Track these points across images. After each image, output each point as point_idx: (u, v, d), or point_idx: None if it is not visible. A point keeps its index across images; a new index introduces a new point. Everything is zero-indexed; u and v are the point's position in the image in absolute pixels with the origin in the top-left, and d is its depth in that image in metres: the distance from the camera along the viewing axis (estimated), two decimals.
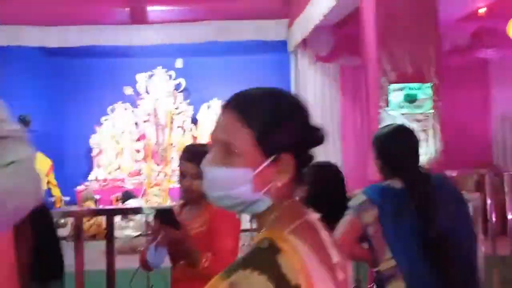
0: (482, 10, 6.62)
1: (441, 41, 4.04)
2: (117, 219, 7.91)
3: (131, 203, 7.88)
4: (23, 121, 8.21)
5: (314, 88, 7.30)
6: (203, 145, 2.41)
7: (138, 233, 7.65)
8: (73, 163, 11.32)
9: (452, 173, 5.50)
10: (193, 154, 2.35)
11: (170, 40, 7.59)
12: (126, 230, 7.66)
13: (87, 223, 7.33)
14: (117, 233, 7.55)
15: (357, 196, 2.09)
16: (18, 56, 9.21)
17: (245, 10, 7.66)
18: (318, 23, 5.91)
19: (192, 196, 2.36)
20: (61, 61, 11.29)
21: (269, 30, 7.61)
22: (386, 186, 2.07)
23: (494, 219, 4.31)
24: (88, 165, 11.29)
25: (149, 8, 7.66)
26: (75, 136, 11.32)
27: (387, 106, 3.69)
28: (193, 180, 2.31)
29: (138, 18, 7.59)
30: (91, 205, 7.52)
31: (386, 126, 2.30)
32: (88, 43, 7.58)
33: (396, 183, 2.05)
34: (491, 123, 7.71)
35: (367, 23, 3.84)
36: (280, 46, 8.02)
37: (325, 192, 2.35)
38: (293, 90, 7.60)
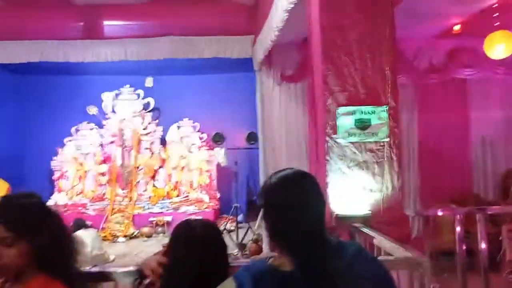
0: (457, 27, 6.15)
1: (398, 58, 3.47)
2: None
3: (81, 234, 7.18)
4: None
5: (279, 108, 6.74)
6: (22, 196, 1.73)
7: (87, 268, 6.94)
8: (33, 187, 10.50)
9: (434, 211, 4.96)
10: (4, 211, 1.62)
11: (126, 56, 7.00)
12: None
13: None
14: None
15: (225, 283, 1.47)
16: None
17: (208, 25, 7.14)
18: (275, 39, 5.41)
19: (8, 272, 1.61)
20: (22, 77, 10.73)
21: (233, 47, 7.10)
22: (268, 268, 1.45)
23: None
24: (49, 189, 10.59)
25: (105, 23, 7.08)
26: (36, 158, 10.63)
27: (335, 133, 3.12)
28: (4, 248, 1.58)
29: (93, 33, 6.99)
30: None
31: (276, 173, 1.61)
32: (37, 59, 6.97)
33: (284, 263, 1.43)
34: (471, 147, 7.18)
35: (313, 35, 3.29)
36: (247, 64, 7.50)
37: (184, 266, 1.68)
38: (259, 109, 7.03)
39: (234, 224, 9.06)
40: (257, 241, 7.24)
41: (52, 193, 10.31)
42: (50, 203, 9.76)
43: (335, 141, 3.10)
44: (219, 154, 8.13)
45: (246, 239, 8.03)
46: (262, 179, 7.17)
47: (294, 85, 6.78)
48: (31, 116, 10.69)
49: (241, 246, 7.31)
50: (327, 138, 3.10)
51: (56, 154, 10.42)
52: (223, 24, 7.16)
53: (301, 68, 6.69)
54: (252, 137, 8.01)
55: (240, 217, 8.76)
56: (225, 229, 8.00)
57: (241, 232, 8.22)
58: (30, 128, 10.70)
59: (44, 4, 6.82)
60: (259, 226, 8.32)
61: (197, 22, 7.19)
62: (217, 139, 8.10)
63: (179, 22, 7.20)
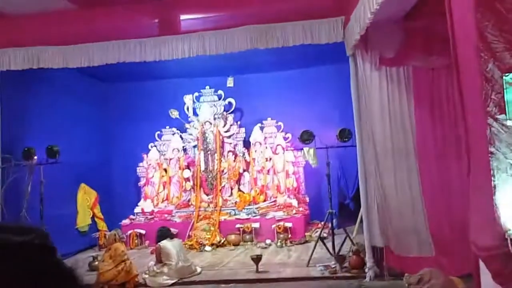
0: None
1: None
2: (151, 263, 6.71)
3: (166, 245, 6.61)
4: (51, 151, 7.35)
5: (380, 97, 5.68)
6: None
7: (173, 280, 6.36)
8: (120, 194, 10.47)
9: None
10: None
11: (204, 50, 6.39)
12: (160, 277, 6.38)
13: (114, 270, 6.14)
14: (149, 280, 6.33)
15: None
16: (61, 80, 8.51)
17: (291, 10, 6.29)
18: (371, 17, 4.46)
19: None
20: (108, 85, 10.65)
21: (321, 31, 6.19)
22: None
23: None
24: (136, 195, 10.37)
25: (181, 17, 6.49)
26: (122, 165, 10.54)
27: (503, 112, 2.05)
28: None
29: (169, 28, 6.44)
30: (119, 248, 6.34)
31: None
32: (114, 60, 6.58)
33: None
34: None
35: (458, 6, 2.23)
36: (336, 53, 6.56)
37: None
38: (354, 100, 6.03)
39: (328, 231, 8.13)
40: (358, 252, 6.20)
41: (138, 200, 10.01)
42: (137, 210, 9.49)
43: (502, 124, 2.04)
44: (309, 154, 7.23)
45: (343, 249, 7.01)
46: (361, 179, 6.12)
47: (396, 70, 5.69)
48: (116, 123, 10.58)
49: (340, 259, 6.30)
50: (490, 121, 2.05)
51: (141, 160, 10.14)
52: (308, 6, 6.27)
53: (404, 48, 5.59)
54: (345, 134, 7.02)
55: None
56: (320, 237, 7.02)
57: (337, 240, 7.21)
58: (116, 135, 10.59)
59: (117, 3, 6.34)
60: (357, 233, 7.26)
61: (278, 8, 6.38)
62: (306, 138, 7.21)
63: (258, 10, 6.43)
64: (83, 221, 9.24)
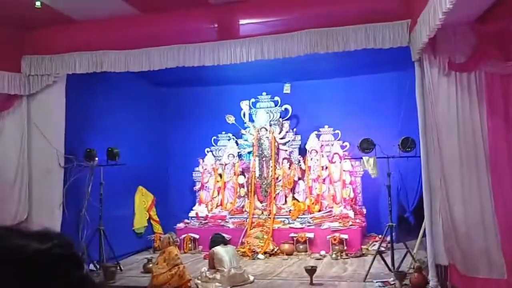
0: None
1: None
2: (203, 268, 6.65)
3: (219, 251, 6.52)
4: (111, 153, 7.52)
5: (448, 105, 5.30)
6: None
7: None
8: (176, 198, 10.61)
9: None
10: None
11: (262, 55, 6.33)
12: (212, 283, 6.29)
13: (168, 274, 6.13)
14: (202, 286, 6.26)
15: None
16: (121, 84, 8.75)
17: (353, 13, 6.06)
18: (442, 19, 4.15)
19: None
20: (166, 90, 10.86)
21: (385, 34, 5.94)
22: None
23: None
24: (192, 200, 10.43)
25: (240, 21, 6.45)
26: (178, 169, 10.66)
27: None
28: None
29: (228, 33, 6.41)
30: (173, 251, 6.32)
31: None
32: (173, 65, 6.65)
33: None
34: None
35: None
36: (400, 55, 6.26)
37: None
38: (420, 107, 5.70)
39: (386, 245, 7.75)
40: (419, 269, 5.81)
41: (193, 204, 10.06)
42: (191, 214, 9.54)
43: None
44: (368, 164, 6.92)
45: (403, 265, 6.62)
46: (425, 192, 5.75)
47: (467, 76, 5.29)
48: (173, 127, 10.75)
49: (400, 275, 5.92)
50: None
51: (197, 164, 10.20)
52: (371, 9, 6.02)
53: (476, 53, 5.19)
54: (407, 143, 6.67)
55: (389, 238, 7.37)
56: (378, 251, 6.67)
57: (396, 255, 6.83)
58: (173, 139, 10.76)
59: (178, 7, 6.39)
60: (419, 249, 6.84)
61: (340, 11, 6.18)
62: (366, 147, 6.93)
63: (319, 13, 6.27)
64: (139, 223, 9.39)
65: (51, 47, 7.06)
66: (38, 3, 6.07)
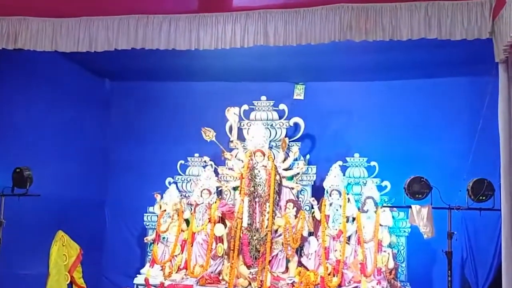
0: None
1: None
2: None
3: None
4: (19, 177, 7.54)
5: None
6: None
7: None
8: (115, 252, 10.65)
9: None
10: None
11: (265, 39, 6.42)
12: None
13: None
14: None
15: None
16: (45, 71, 8.89)
17: None
18: None
19: None
20: (107, 83, 11.04)
21: (454, 20, 6.06)
22: None
23: None
24: (140, 257, 10.52)
25: None
26: (123, 208, 10.80)
27: None
28: None
29: (213, 4, 6.51)
30: None
31: None
32: (126, 45, 6.78)
33: None
34: None
35: None
36: (476, 52, 6.37)
37: None
38: (504, 137, 5.79)
39: None
40: None
41: (142, 266, 10.04)
42: (137, 280, 9.54)
43: None
44: (420, 218, 6.97)
45: None
46: (505, 262, 5.76)
47: None
48: (119, 142, 10.98)
49: None
50: None
51: (152, 203, 10.20)
52: None
53: None
54: (482, 188, 6.72)
55: None
56: None
57: None
58: (117, 160, 11.00)
59: None
60: None
61: None
62: (417, 190, 6.97)
63: None
64: None
65: None
66: None
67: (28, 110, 8.84)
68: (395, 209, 9.21)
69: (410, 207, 7.21)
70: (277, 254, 9.53)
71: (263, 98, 10.14)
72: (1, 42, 7.06)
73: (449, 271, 6.83)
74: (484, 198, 6.79)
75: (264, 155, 9.78)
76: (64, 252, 9.61)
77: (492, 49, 6.00)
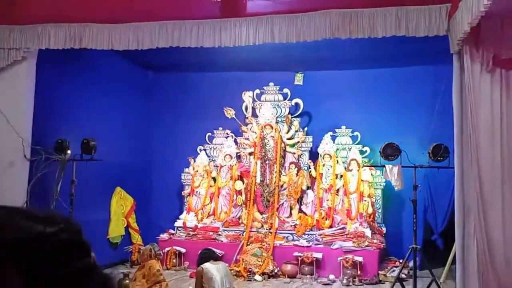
0: None
1: None
2: None
3: (209, 268, 6.55)
4: (87, 146, 7.57)
5: (491, 108, 5.34)
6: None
7: None
8: (160, 204, 10.68)
9: None
10: None
11: (273, 38, 6.40)
12: None
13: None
14: None
15: None
16: (102, 65, 8.85)
17: None
18: (487, 4, 4.19)
19: None
20: (153, 74, 10.93)
21: (419, 20, 5.98)
22: None
23: None
24: (179, 206, 10.51)
25: None
26: (165, 169, 10.76)
27: None
28: None
29: (232, 10, 6.48)
30: (154, 266, 6.36)
31: None
32: (166, 44, 6.73)
33: None
34: None
35: None
36: (437, 47, 6.29)
37: None
38: (457, 109, 5.73)
39: (408, 271, 7.80)
40: None
41: (180, 212, 10.11)
42: (177, 224, 9.59)
43: None
44: (392, 174, 6.95)
45: None
46: (457, 212, 5.76)
47: None
48: (162, 119, 10.86)
49: None
50: None
51: (187, 165, 10.24)
52: None
53: None
54: (440, 151, 6.71)
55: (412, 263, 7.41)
56: (398, 278, 6.70)
57: (420, 284, 6.86)
58: (161, 133, 10.84)
59: None
60: (447, 278, 6.86)
61: None
62: (390, 153, 6.96)
63: None
64: (115, 231, 9.43)
65: (23, 16, 7.10)
66: None
67: (90, 95, 8.87)
68: (373, 168, 9.26)
69: (384, 166, 7.19)
70: (282, 203, 9.63)
71: (271, 84, 10.13)
72: (70, 43, 7.04)
73: (414, 215, 6.83)
74: (441, 158, 6.76)
75: (272, 128, 9.80)
76: (121, 203, 9.75)
77: (448, 43, 5.93)
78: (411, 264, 7.24)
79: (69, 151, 7.61)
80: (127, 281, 6.93)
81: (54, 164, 7.57)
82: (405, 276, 7.67)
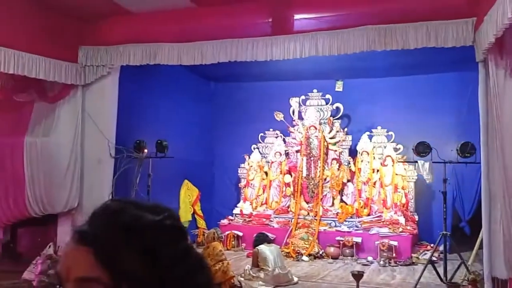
0: None
1: None
2: (247, 266, 6.80)
3: (264, 249, 6.65)
4: (160, 146, 7.79)
5: None
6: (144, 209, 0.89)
7: (269, 287, 6.36)
8: (220, 194, 10.86)
9: None
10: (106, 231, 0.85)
11: (317, 51, 6.39)
12: (256, 281, 6.43)
13: (211, 269, 6.30)
14: (245, 284, 6.42)
15: None
16: (172, 77, 9.07)
17: (414, 9, 5.99)
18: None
19: None
20: (215, 84, 11.12)
21: (448, 33, 5.84)
22: None
23: None
24: (236, 197, 10.63)
25: (295, 16, 6.52)
26: (225, 165, 10.93)
27: None
28: None
29: (282, 28, 6.51)
30: (217, 247, 6.51)
31: None
32: (226, 59, 6.82)
33: None
34: None
35: None
36: (463, 55, 6.13)
37: None
38: (482, 111, 5.57)
39: (438, 255, 7.62)
40: (474, 282, 5.69)
41: (238, 201, 10.24)
42: (235, 211, 9.71)
43: None
44: (423, 169, 6.83)
45: (456, 276, 6.50)
46: (484, 202, 5.61)
47: None
48: (221, 122, 11.01)
49: (452, 287, 5.82)
50: None
51: (243, 161, 10.37)
52: (433, 6, 5.93)
53: None
54: (467, 148, 6.51)
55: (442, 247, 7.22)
56: (430, 260, 6.57)
57: (450, 266, 6.71)
58: (220, 134, 11.01)
59: (233, 1, 6.55)
60: (474, 261, 6.68)
61: (399, 7, 6.13)
62: (422, 150, 6.82)
63: (377, 9, 6.23)
64: (184, 217, 9.65)
65: (107, 38, 7.41)
66: None
67: (163, 102, 9.14)
68: (406, 163, 9.08)
69: (417, 162, 7.06)
70: (326, 194, 9.59)
71: (315, 91, 10.08)
72: (146, 59, 7.28)
73: (444, 205, 6.68)
74: (468, 155, 6.58)
75: (316, 129, 9.77)
76: (188, 193, 9.98)
77: (474, 53, 5.78)
78: (441, 248, 7.07)
79: (146, 150, 7.86)
80: None
81: (134, 161, 7.85)
82: (435, 259, 7.50)
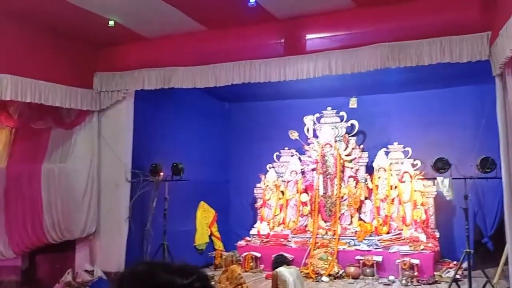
0: None
1: None
2: None
3: (283, 272, 6.55)
4: (176, 168, 7.81)
5: None
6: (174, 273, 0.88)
7: None
8: (237, 214, 10.80)
9: None
10: None
11: (330, 70, 6.37)
12: None
13: None
14: None
15: None
16: (186, 99, 9.13)
17: (427, 25, 5.95)
18: None
19: None
20: (229, 105, 11.15)
21: (462, 48, 5.77)
22: None
23: None
24: (252, 217, 10.55)
25: (308, 36, 6.54)
26: (240, 184, 10.86)
27: None
28: None
29: (294, 48, 6.53)
30: (236, 270, 6.44)
31: None
32: (239, 80, 6.86)
33: None
34: None
35: None
36: (478, 69, 6.06)
37: None
38: (501, 125, 5.47)
39: (462, 272, 7.43)
40: None
41: (254, 222, 10.17)
42: (252, 232, 9.64)
43: None
44: (443, 185, 6.73)
45: None
46: (508, 217, 5.48)
47: None
48: (236, 143, 11.00)
49: None
50: None
51: (259, 181, 10.32)
52: (447, 21, 5.89)
53: None
54: (487, 164, 6.40)
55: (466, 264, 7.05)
56: (454, 278, 6.41)
57: (474, 284, 6.55)
58: (235, 154, 11.01)
59: (245, 23, 6.60)
60: (500, 277, 6.51)
61: (413, 24, 6.10)
62: (441, 167, 6.73)
63: (390, 27, 6.21)
64: (201, 239, 9.61)
65: (122, 63, 7.51)
66: (111, 22, 6.53)
67: (177, 124, 9.18)
68: (424, 180, 8.94)
69: (436, 178, 6.95)
70: (344, 212, 9.44)
71: (329, 108, 10.02)
72: (161, 84, 7.36)
73: (466, 221, 6.53)
74: (489, 170, 6.45)
75: (331, 146, 9.70)
76: (205, 215, 9.93)
77: (490, 67, 5.71)
78: (464, 265, 6.91)
79: (162, 173, 7.88)
80: (212, 283, 7.05)
81: (150, 184, 7.87)
82: (459, 277, 7.32)
